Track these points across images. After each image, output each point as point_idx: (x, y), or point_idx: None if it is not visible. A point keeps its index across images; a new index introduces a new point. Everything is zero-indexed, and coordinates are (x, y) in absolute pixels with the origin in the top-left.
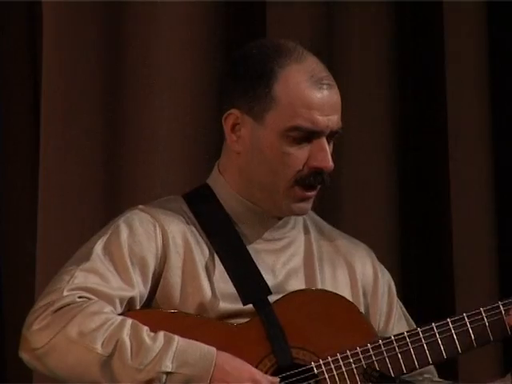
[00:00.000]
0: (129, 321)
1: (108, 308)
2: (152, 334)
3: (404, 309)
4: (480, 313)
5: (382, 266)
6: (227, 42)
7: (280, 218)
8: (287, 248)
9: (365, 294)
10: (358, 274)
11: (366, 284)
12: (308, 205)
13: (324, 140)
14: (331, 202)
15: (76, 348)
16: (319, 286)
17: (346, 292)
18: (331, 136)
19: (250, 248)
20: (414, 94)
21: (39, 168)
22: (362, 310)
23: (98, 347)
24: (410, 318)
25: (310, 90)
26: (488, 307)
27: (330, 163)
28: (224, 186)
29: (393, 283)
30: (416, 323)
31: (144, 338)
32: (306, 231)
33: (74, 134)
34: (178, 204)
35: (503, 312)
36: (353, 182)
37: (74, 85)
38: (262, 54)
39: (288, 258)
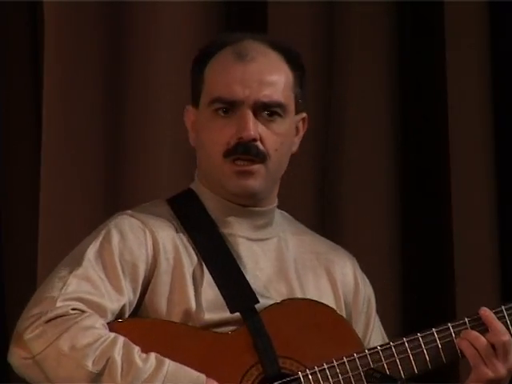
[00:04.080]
0: (121, 339)
1: (100, 322)
2: (144, 355)
3: (381, 325)
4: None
5: (365, 277)
6: None
7: (260, 217)
8: (265, 251)
9: (346, 304)
10: (338, 283)
11: (347, 294)
12: (249, 182)
13: (247, 111)
14: (332, 201)
15: (67, 362)
16: (298, 295)
17: (330, 302)
18: (263, 108)
19: (234, 252)
20: (414, 94)
21: (40, 169)
22: None
23: (89, 364)
24: (385, 335)
25: (231, 63)
26: (439, 328)
27: (248, 131)
28: (202, 187)
29: (373, 296)
30: (418, 323)
31: (135, 359)
32: (283, 236)
33: (76, 135)
34: (164, 208)
35: (453, 335)
36: (353, 182)
37: (75, 85)
38: (203, 49)
39: (266, 264)
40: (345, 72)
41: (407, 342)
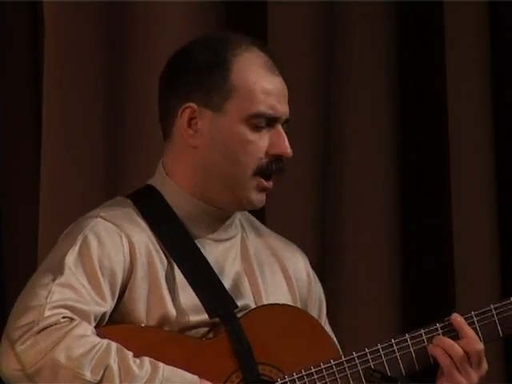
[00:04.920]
0: (114, 346)
1: (90, 329)
2: (138, 360)
3: (330, 328)
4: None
5: (315, 275)
6: None
7: (227, 218)
8: (230, 250)
9: (301, 299)
10: (293, 279)
11: (302, 288)
12: (264, 197)
13: (281, 127)
14: (331, 201)
15: (64, 372)
16: (262, 293)
17: (286, 297)
18: (284, 124)
19: (204, 252)
20: (414, 94)
21: (41, 168)
22: None
23: (87, 374)
24: (335, 339)
25: (266, 77)
26: (412, 334)
27: (289, 149)
28: (173, 187)
29: (324, 297)
30: (417, 324)
31: (131, 366)
32: (243, 232)
33: (76, 135)
34: (132, 209)
35: (425, 341)
36: (353, 182)
37: (75, 85)
38: (213, 44)
39: (231, 263)
40: (345, 72)
41: (381, 348)
